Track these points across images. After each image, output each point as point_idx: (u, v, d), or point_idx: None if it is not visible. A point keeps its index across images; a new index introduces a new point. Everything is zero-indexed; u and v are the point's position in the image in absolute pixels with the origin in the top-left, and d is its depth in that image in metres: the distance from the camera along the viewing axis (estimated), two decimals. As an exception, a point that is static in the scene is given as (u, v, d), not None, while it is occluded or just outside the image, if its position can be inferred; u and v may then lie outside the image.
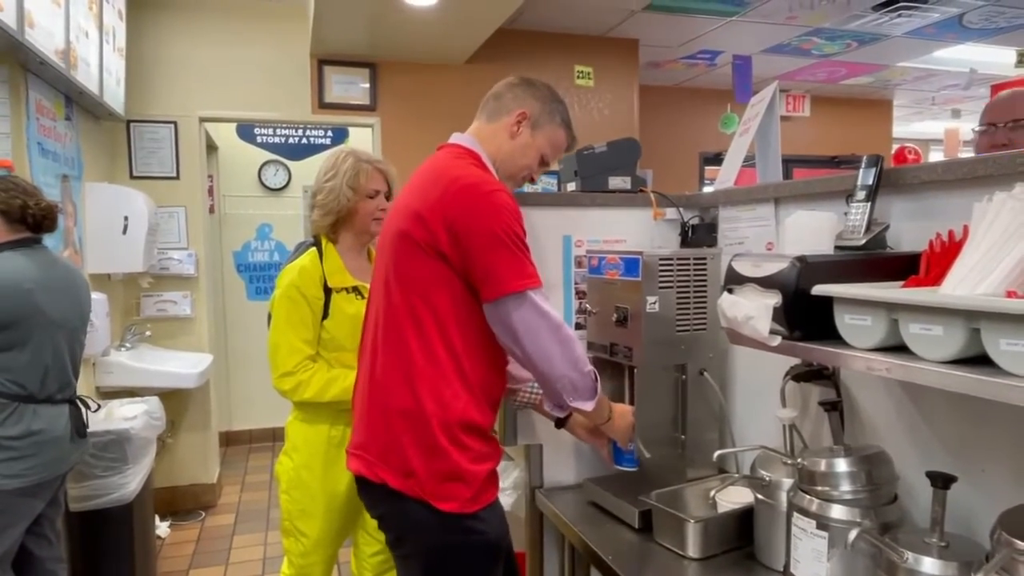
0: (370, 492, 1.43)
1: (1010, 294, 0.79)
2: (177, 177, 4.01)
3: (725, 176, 1.82)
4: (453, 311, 1.33)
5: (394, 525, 1.43)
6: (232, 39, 4.10)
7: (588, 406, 1.39)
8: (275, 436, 5.30)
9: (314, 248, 1.96)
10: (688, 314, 1.58)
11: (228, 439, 5.14)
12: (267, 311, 2.01)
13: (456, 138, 1.49)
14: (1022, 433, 0.88)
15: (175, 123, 3.99)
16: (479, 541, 1.38)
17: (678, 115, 6.08)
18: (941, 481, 1.01)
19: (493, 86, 1.53)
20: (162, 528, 3.66)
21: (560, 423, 1.62)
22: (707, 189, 5.99)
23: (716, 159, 6.11)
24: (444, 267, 1.32)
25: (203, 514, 3.96)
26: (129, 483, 2.69)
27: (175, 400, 3.78)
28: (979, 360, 0.83)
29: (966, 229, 0.96)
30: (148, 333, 3.90)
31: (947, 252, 0.98)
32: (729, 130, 5.25)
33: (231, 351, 5.33)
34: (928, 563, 0.98)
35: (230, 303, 5.39)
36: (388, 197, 2.01)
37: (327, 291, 1.88)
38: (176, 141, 3.99)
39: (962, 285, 0.85)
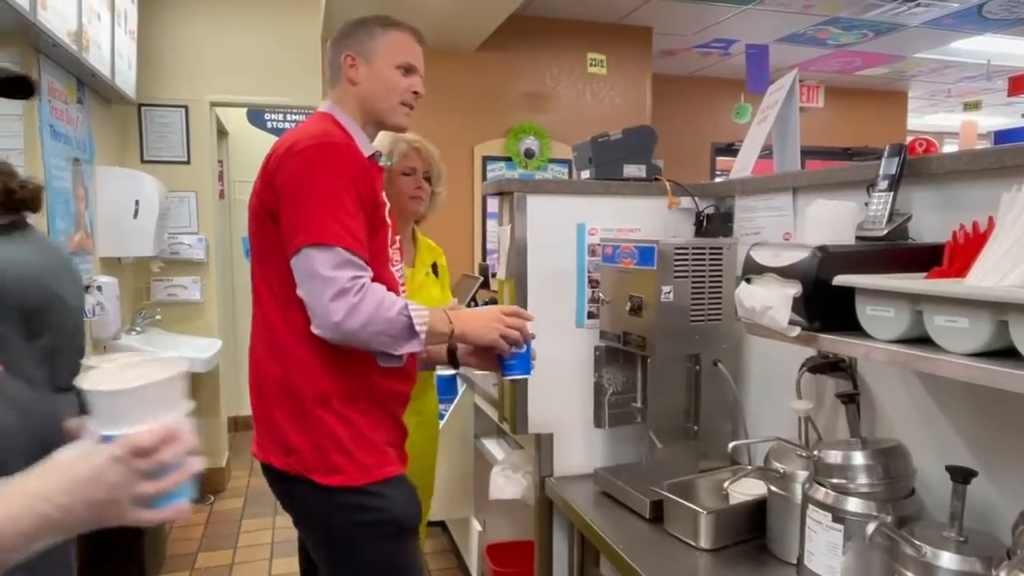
0: (266, 475, 1.40)
1: (1040, 286, 0.77)
2: (188, 162, 4.02)
3: (742, 165, 1.80)
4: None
5: (289, 508, 1.40)
6: (243, 23, 4.08)
7: (417, 346, 1.30)
8: (283, 421, 5.31)
9: None
10: (703, 304, 1.57)
11: (237, 424, 5.16)
12: None
13: (320, 107, 1.48)
14: (1047, 428, 0.86)
15: (186, 107, 3.98)
16: (377, 518, 1.33)
17: (691, 104, 6.03)
18: (961, 476, 0.99)
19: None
20: (171, 511, 3.68)
21: (453, 363, 1.60)
22: (719, 179, 5.95)
23: (728, 149, 6.06)
24: (278, 230, 1.30)
25: (212, 498, 3.99)
26: (139, 466, 2.70)
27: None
28: (1006, 353, 0.81)
29: (991, 220, 0.95)
30: (158, 317, 3.92)
31: (971, 243, 0.96)
32: (742, 120, 5.20)
33: (240, 336, 5.34)
34: (947, 557, 0.96)
35: (239, 288, 5.40)
36: (428, 179, 1.99)
37: None
38: (187, 125, 3.99)
39: (989, 276, 0.83)
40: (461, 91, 4.21)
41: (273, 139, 5.26)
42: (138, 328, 3.72)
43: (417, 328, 1.27)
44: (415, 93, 1.45)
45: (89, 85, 3.21)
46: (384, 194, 1.44)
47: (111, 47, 3.18)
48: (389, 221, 1.44)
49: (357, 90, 1.43)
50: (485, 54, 4.27)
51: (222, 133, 5.03)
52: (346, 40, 1.45)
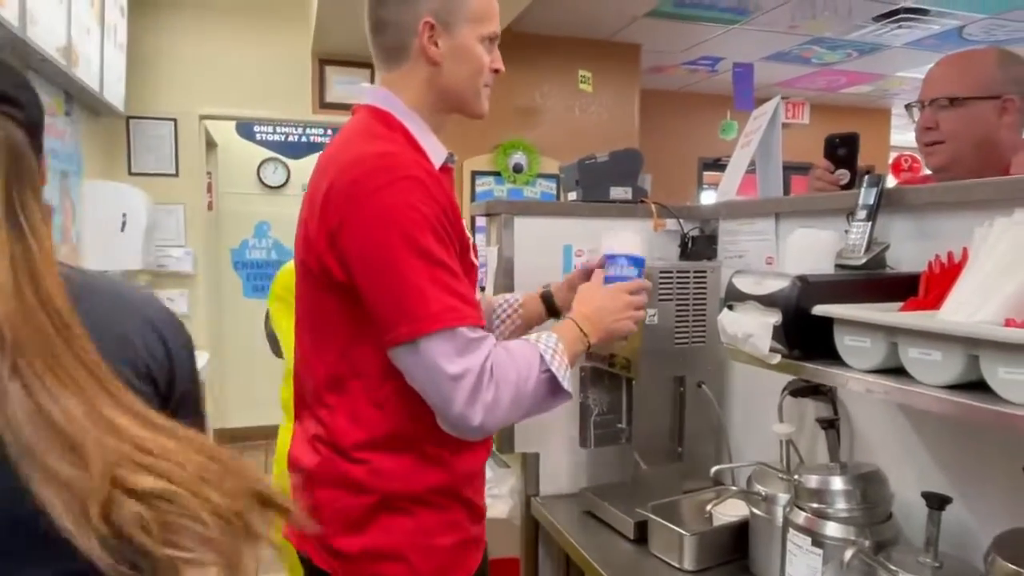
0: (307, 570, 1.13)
1: (1009, 322, 0.79)
2: (176, 174, 4.01)
3: (727, 187, 1.83)
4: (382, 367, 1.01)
5: None
6: (233, 37, 4.09)
7: (569, 391, 1.06)
8: (270, 434, 5.28)
9: None
10: (687, 327, 1.59)
11: (223, 436, 5.13)
12: (265, 308, 2.04)
13: (366, 95, 1.12)
14: (1018, 458, 0.88)
15: (175, 120, 3.99)
16: None
17: (678, 120, 6.09)
18: (937, 502, 1.01)
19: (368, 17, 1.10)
20: (155, 526, 3.65)
21: (554, 313, 1.42)
22: (706, 194, 6.00)
23: (716, 164, 6.12)
24: (351, 304, 1.00)
25: (197, 512, 3.95)
26: (124, 482, 2.69)
27: (171, 398, 3.77)
28: (978, 386, 0.83)
29: (965, 251, 0.97)
30: (145, 330, 3.89)
31: (946, 274, 0.99)
32: (728, 137, 5.26)
33: (227, 349, 5.33)
34: (922, 583, 0.98)
35: (227, 301, 5.38)
36: None
37: None
38: (176, 138, 3.99)
39: (961, 310, 0.86)
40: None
41: (263, 151, 5.26)
42: (124, 341, 3.70)
43: (562, 380, 1.03)
44: (495, 71, 1.13)
45: (77, 98, 3.20)
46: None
47: (100, 61, 3.18)
48: (476, 262, 1.15)
49: (436, 71, 1.08)
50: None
51: (211, 144, 5.03)
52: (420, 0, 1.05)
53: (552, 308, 1.42)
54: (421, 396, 0.99)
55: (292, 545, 1.13)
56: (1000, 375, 0.79)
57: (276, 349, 2.15)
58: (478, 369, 0.95)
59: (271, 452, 5.30)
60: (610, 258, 1.29)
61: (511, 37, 4.26)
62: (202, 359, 3.82)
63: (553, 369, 1.02)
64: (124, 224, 3.43)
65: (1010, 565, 0.85)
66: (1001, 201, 1.01)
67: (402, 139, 1.06)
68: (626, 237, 1.34)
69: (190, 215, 4.06)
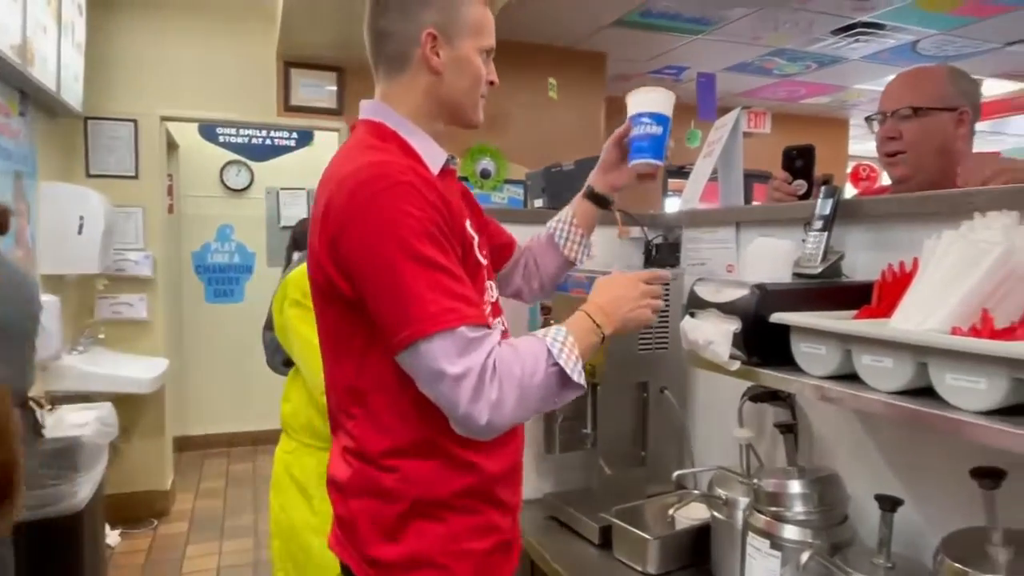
0: None
1: (955, 331, 0.83)
2: (136, 176, 3.93)
3: (689, 196, 1.86)
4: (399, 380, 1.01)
5: None
6: (197, 37, 4.03)
7: (580, 382, 1.02)
8: (231, 441, 5.21)
9: None
10: (651, 333, 1.61)
11: (182, 444, 5.03)
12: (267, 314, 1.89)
13: (363, 110, 1.14)
14: (965, 462, 0.92)
15: (135, 121, 3.91)
16: None
17: (644, 128, 6.15)
18: (889, 504, 1.05)
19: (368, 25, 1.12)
20: (112, 537, 3.56)
21: (604, 204, 1.41)
22: (671, 201, 6.08)
23: (680, 172, 6.19)
24: (358, 316, 1.01)
25: (155, 522, 3.87)
26: (79, 492, 2.61)
27: (129, 405, 3.69)
28: (927, 391, 0.86)
29: (915, 262, 1.01)
30: (102, 336, 3.81)
31: (898, 283, 1.02)
32: (693, 145, 5.34)
33: (188, 354, 5.23)
34: (875, 584, 1.01)
35: (188, 305, 5.28)
36: None
37: None
38: (136, 140, 3.92)
39: (911, 319, 0.89)
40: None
41: (226, 154, 5.19)
42: (80, 347, 3.61)
43: (572, 374, 1.01)
44: (491, 83, 1.17)
45: (33, 98, 3.12)
46: (469, 224, 1.12)
47: (57, 60, 3.10)
48: (484, 260, 1.14)
49: (437, 81, 1.10)
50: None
51: (172, 146, 4.94)
52: (424, 10, 1.07)
53: (599, 199, 1.40)
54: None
55: (336, 554, 1.13)
56: (947, 381, 0.82)
57: (276, 359, 1.99)
58: (479, 368, 0.94)
59: (232, 460, 5.22)
60: (635, 119, 1.27)
61: (479, 43, 4.28)
62: (161, 366, 3.74)
63: (561, 362, 1.00)
64: (81, 227, 3.35)
65: (957, 564, 0.88)
66: (950, 213, 1.05)
67: (395, 148, 1.07)
68: (649, 96, 1.28)
69: (150, 218, 3.98)
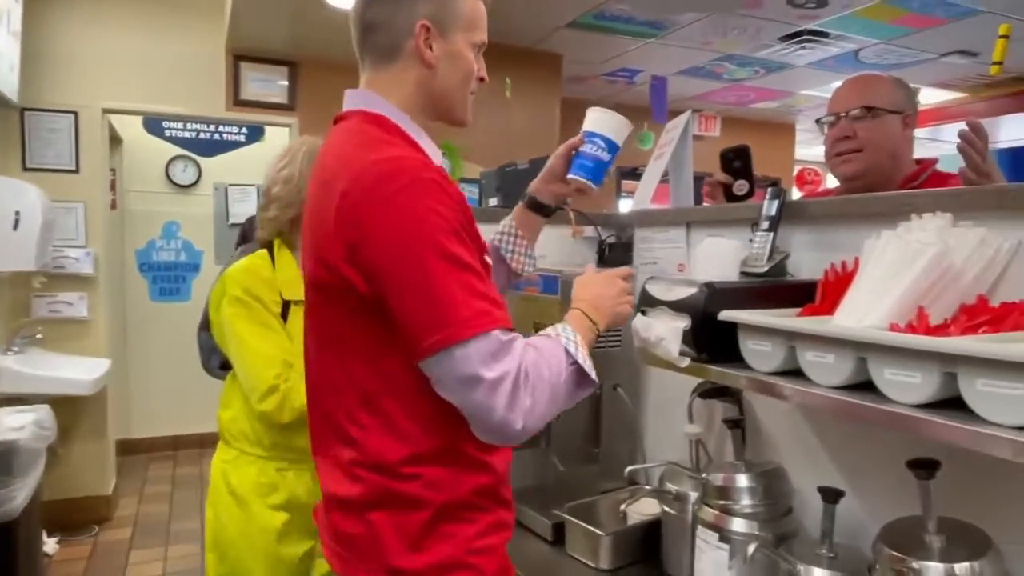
0: None
1: (893, 327, 0.86)
2: (76, 170, 3.79)
3: (641, 196, 1.89)
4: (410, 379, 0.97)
5: None
6: (142, 28, 3.91)
7: (596, 380, 1.04)
8: (176, 444, 5.07)
9: (263, 251, 1.69)
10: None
11: (126, 448, 4.87)
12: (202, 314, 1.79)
13: (350, 100, 1.10)
14: (902, 453, 0.95)
15: (75, 113, 3.77)
16: None
17: (598, 129, 6.22)
18: (831, 496, 1.08)
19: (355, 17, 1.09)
20: (50, 545, 3.43)
21: (546, 212, 1.39)
22: (624, 202, 6.16)
23: (633, 173, 6.28)
24: (374, 317, 0.96)
25: (96, 528, 3.74)
26: (14, 498, 2.51)
27: (68, 407, 3.55)
28: (867, 386, 0.89)
29: (857, 261, 1.04)
30: (39, 336, 3.66)
31: (840, 282, 1.06)
32: (646, 147, 5.42)
33: (131, 355, 5.07)
34: (819, 573, 1.05)
35: (131, 304, 5.12)
36: None
37: (284, 303, 1.62)
38: (76, 133, 3.77)
39: (852, 316, 0.92)
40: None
41: (173, 148, 5.06)
42: (16, 348, 3.46)
43: (591, 373, 1.01)
44: (480, 79, 1.13)
45: (-35, 87, 2.99)
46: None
47: (-9, 47, 2.97)
48: (489, 262, 1.12)
49: (429, 75, 1.06)
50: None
51: (115, 140, 4.78)
52: (418, 2, 1.04)
53: (541, 207, 1.38)
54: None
55: (344, 573, 1.06)
56: (885, 376, 0.85)
57: (213, 361, 1.90)
58: (515, 372, 0.91)
59: (177, 463, 5.08)
60: (589, 135, 1.27)
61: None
62: (102, 367, 3.61)
63: (580, 361, 1.00)
64: (17, 223, 3.21)
65: (895, 552, 0.92)
66: (890, 215, 1.09)
67: (402, 142, 1.03)
68: (611, 121, 1.29)
69: (92, 214, 3.84)
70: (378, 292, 0.93)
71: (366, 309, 0.96)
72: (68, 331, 3.79)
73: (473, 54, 1.10)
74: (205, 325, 1.86)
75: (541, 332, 1.05)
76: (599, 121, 1.29)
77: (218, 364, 1.88)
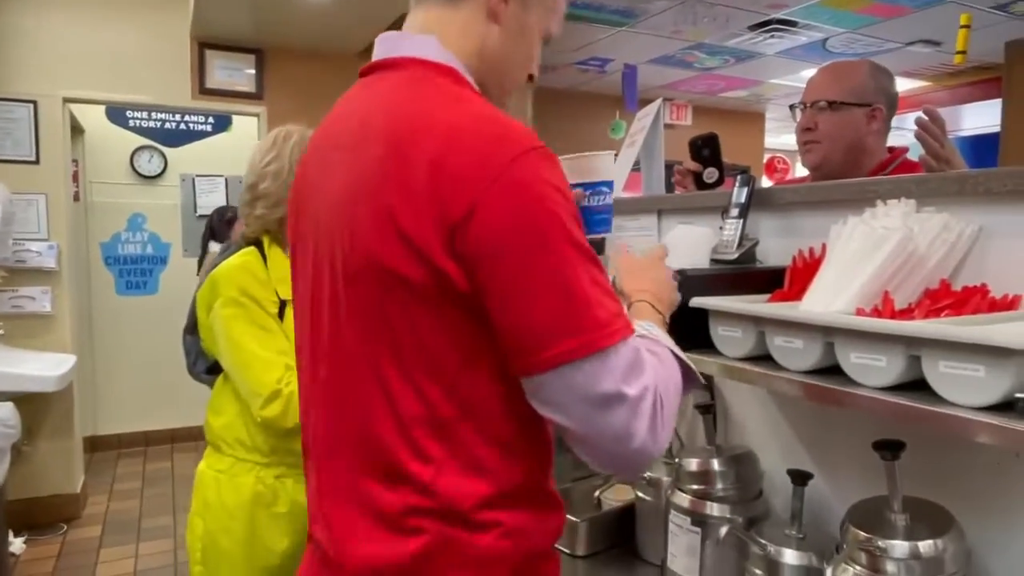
0: None
1: (859, 311, 0.87)
2: (36, 162, 3.69)
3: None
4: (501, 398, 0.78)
5: None
6: (103, 15, 3.81)
7: (701, 379, 0.92)
8: (147, 440, 4.99)
9: (252, 248, 1.60)
10: (576, 319, 1.63)
11: (94, 444, 4.78)
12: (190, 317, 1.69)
13: (395, 45, 0.89)
14: (868, 435, 0.97)
15: (35, 103, 3.66)
16: None
17: (571, 118, 6.22)
18: (800, 478, 1.10)
19: None
20: (16, 544, 3.36)
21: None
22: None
23: (605, 162, 6.31)
24: (468, 321, 0.75)
25: (65, 527, 3.67)
26: (-23, 498, 2.46)
27: (33, 404, 3.47)
28: (834, 370, 0.91)
29: (824, 247, 1.06)
30: (0, 332, 3.57)
31: (808, 268, 1.07)
32: (617, 136, 5.43)
33: (98, 350, 4.97)
34: (788, 554, 1.07)
35: (97, 299, 5.02)
36: None
37: (280, 303, 1.55)
38: (35, 122, 3.67)
39: (819, 302, 0.93)
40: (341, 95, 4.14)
41: (137, 138, 4.94)
42: (-24, 344, 3.37)
43: (696, 372, 0.89)
44: (533, 76, 0.97)
45: (-84, 75, 2.89)
46: None
47: (-56, 34, 2.87)
48: None
49: (493, 33, 0.87)
50: (368, 58, 4.21)
51: (77, 130, 4.66)
52: None
53: None
54: (558, 428, 0.76)
55: None
56: (851, 359, 0.87)
57: (199, 365, 1.78)
58: (653, 386, 0.75)
59: (147, 459, 5.00)
60: (590, 187, 1.12)
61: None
62: (67, 363, 3.54)
63: (685, 360, 0.87)
64: (-25, 215, 3.12)
65: (861, 532, 0.94)
66: (855, 201, 1.10)
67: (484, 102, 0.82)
68: (607, 162, 1.15)
69: (53, 206, 3.74)
70: (483, 288, 0.73)
71: (457, 311, 0.75)
72: (31, 326, 3.70)
73: (540, 42, 0.94)
74: (191, 328, 1.77)
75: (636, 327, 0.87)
76: (600, 168, 1.14)
77: (204, 368, 1.77)
